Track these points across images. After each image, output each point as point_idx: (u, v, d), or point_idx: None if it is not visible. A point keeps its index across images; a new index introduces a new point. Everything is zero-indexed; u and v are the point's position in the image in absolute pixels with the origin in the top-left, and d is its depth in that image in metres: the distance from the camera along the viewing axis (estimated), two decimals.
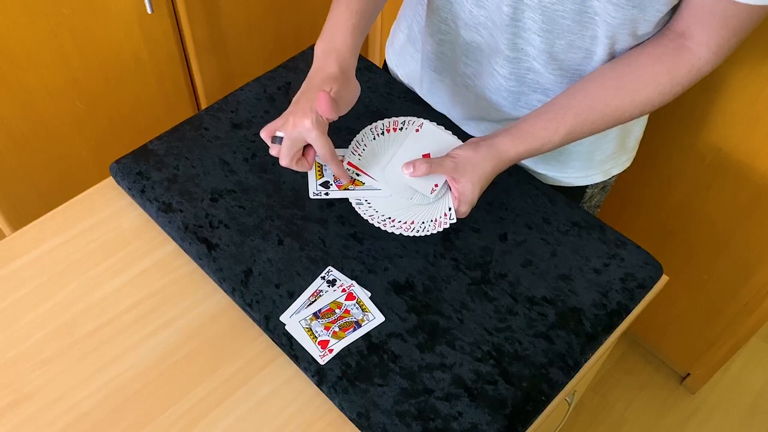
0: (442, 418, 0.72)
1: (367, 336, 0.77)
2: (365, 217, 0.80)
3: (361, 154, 0.84)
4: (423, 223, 0.80)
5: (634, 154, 1.02)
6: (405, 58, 1.03)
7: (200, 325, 0.80)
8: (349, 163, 0.83)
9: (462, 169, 0.79)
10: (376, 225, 0.80)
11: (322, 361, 0.75)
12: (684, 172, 1.29)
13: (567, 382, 0.77)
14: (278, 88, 1.01)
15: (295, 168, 0.80)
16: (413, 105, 1.00)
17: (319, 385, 0.75)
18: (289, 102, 0.98)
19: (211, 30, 1.38)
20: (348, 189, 0.83)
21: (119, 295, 0.82)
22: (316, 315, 0.78)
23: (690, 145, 1.24)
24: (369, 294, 0.80)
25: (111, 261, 0.85)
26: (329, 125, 0.77)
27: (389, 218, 0.80)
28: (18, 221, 1.34)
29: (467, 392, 0.73)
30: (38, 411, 0.73)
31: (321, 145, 0.76)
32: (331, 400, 0.74)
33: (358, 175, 0.83)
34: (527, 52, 0.82)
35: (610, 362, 1.69)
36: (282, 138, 0.78)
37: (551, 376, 0.75)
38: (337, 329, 0.77)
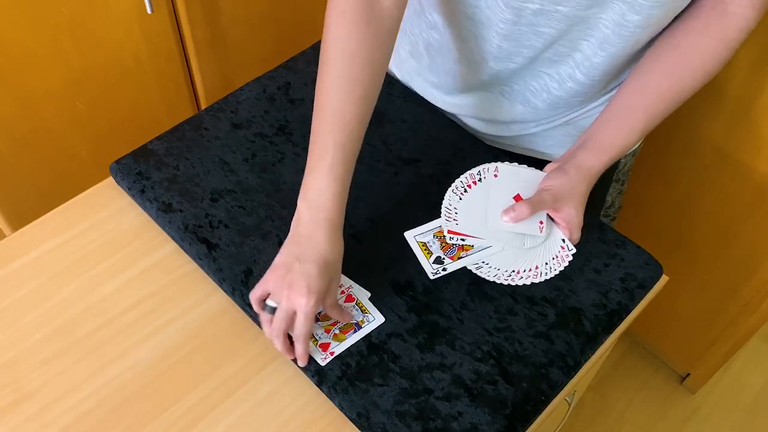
0: (442, 418, 0.72)
1: (367, 336, 0.77)
2: (490, 279, 0.79)
3: (456, 218, 0.83)
4: (546, 264, 0.80)
5: None
6: (408, 67, 1.00)
7: (200, 325, 0.80)
8: (449, 231, 0.82)
9: (561, 198, 0.79)
10: (505, 283, 0.79)
11: (322, 364, 0.75)
12: (684, 172, 1.29)
13: (567, 382, 0.77)
14: (278, 88, 1.01)
15: (282, 350, 0.73)
16: (414, 105, 1.00)
17: (319, 385, 0.74)
18: (289, 102, 0.99)
19: (211, 30, 1.38)
20: (461, 257, 0.81)
21: (119, 295, 0.82)
22: (316, 318, 0.78)
23: (690, 144, 1.24)
24: (369, 294, 0.80)
25: (111, 261, 0.85)
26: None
27: (513, 271, 0.80)
28: (18, 221, 1.34)
29: (467, 392, 0.73)
30: (38, 411, 0.73)
31: (308, 327, 0.72)
32: (331, 400, 0.74)
33: (463, 240, 0.81)
34: (569, 70, 0.83)
35: (610, 362, 1.69)
36: (275, 308, 0.72)
37: (551, 376, 0.75)
38: (337, 331, 0.77)
